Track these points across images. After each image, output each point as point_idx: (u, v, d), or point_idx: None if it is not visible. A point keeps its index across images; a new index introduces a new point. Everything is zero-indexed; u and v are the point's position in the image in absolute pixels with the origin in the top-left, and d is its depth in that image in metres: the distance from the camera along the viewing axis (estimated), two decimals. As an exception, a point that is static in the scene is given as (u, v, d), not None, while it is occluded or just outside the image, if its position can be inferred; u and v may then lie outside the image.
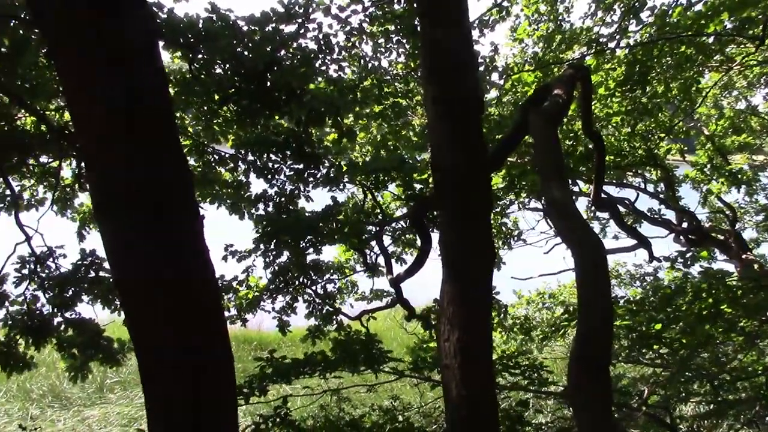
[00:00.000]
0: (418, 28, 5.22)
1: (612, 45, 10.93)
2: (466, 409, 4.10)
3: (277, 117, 8.30)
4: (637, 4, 10.19)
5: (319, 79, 8.38)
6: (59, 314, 8.56)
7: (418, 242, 9.43)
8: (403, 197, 9.21)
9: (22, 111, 9.13)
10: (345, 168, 8.60)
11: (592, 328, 3.73)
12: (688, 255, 11.29)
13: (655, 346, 8.08)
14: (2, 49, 7.55)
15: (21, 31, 7.44)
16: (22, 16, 7.17)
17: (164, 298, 3.41)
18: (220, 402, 3.65)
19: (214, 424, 3.59)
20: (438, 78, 4.31)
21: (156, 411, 3.68)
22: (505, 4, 10.71)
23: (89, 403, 15.88)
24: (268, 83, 7.62)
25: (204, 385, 3.54)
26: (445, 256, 4.38)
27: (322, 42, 8.01)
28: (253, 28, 7.48)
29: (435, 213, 8.01)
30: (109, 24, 3.04)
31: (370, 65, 9.12)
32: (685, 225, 15.64)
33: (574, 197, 11.44)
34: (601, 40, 10.91)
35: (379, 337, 8.73)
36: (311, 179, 8.70)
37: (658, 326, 7.35)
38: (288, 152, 8.36)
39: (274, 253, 9.04)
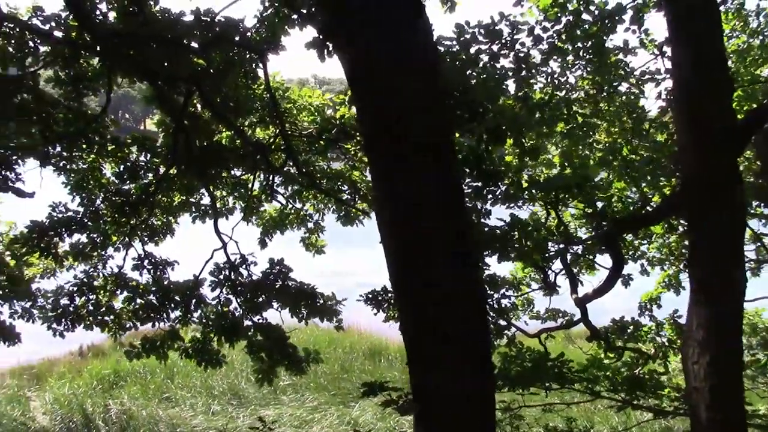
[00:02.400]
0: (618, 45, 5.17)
1: None
2: (716, 433, 4.08)
3: (457, 134, 8.41)
4: None
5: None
6: (249, 318, 9.13)
7: (599, 262, 9.22)
8: (585, 216, 9.02)
9: (221, 126, 9.85)
10: (526, 185, 8.54)
11: None
12: None
13: None
14: (210, 70, 8.21)
15: (231, 53, 8.08)
16: (236, 39, 7.79)
17: None
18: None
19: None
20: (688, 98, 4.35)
21: None
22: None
23: (264, 403, 16.71)
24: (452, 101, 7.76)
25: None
26: (695, 279, 4.39)
27: (519, 61, 8.06)
28: (451, 47, 7.63)
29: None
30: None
31: (556, 81, 9.06)
32: None
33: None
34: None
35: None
36: (490, 196, 8.71)
37: None
38: (467, 169, 8.43)
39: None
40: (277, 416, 15.37)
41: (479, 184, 8.41)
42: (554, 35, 8.40)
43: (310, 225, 12.00)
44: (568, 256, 9.18)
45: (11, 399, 16.68)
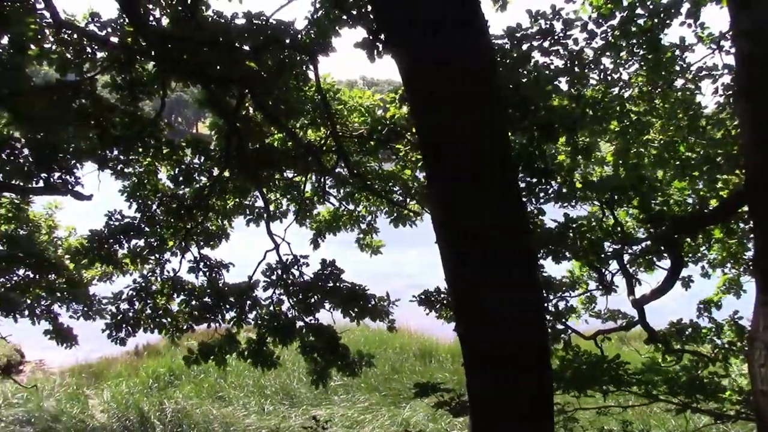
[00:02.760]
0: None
1: None
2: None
3: (510, 133, 8.30)
4: None
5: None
6: (302, 319, 9.15)
7: (658, 263, 9.01)
8: (640, 216, 8.82)
9: (273, 129, 9.89)
10: (579, 185, 8.39)
11: None
12: None
13: None
14: (262, 72, 8.24)
15: (281, 56, 8.10)
16: (287, 41, 7.81)
17: None
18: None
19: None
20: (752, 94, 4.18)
21: None
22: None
23: (316, 402, 16.80)
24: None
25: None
26: (762, 279, 4.19)
27: (572, 58, 7.90)
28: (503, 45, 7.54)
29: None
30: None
31: (609, 78, 8.86)
32: None
33: None
34: None
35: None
36: (542, 195, 8.58)
37: None
38: (519, 167, 8.33)
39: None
40: (329, 416, 15.42)
41: (532, 180, 8.29)
42: (608, 30, 8.20)
43: (364, 226, 11.99)
44: (625, 257, 8.99)
45: (71, 397, 17.09)
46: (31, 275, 11.56)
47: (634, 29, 8.17)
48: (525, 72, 7.65)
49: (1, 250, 11.19)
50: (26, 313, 11.39)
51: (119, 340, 9.87)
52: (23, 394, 16.74)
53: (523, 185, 8.38)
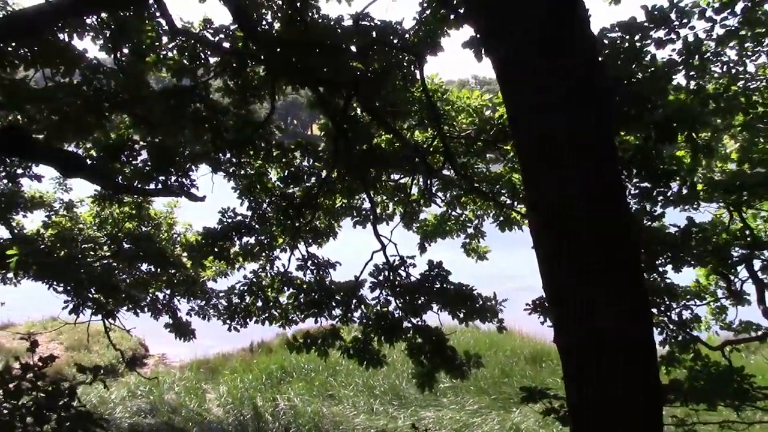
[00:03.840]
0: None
1: None
2: None
3: (622, 133, 7.96)
4: None
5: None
6: (408, 319, 9.14)
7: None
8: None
9: (380, 130, 9.93)
10: (701, 186, 7.93)
11: None
12: None
13: None
14: (369, 73, 8.29)
15: (388, 56, 8.12)
16: (394, 42, 7.82)
17: None
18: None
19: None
20: None
21: None
22: None
23: (424, 404, 16.71)
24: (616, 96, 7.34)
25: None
26: None
27: (689, 50, 7.47)
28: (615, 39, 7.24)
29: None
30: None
31: (733, 71, 8.31)
32: None
33: None
34: None
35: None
36: (660, 198, 8.17)
37: None
38: (633, 170, 7.96)
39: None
40: (437, 418, 15.34)
41: (648, 184, 7.91)
42: (729, 17, 7.68)
43: (470, 230, 11.84)
44: (756, 263, 8.43)
45: (189, 390, 17.78)
46: (152, 271, 12.15)
47: (760, 15, 7.62)
48: (640, 67, 7.29)
49: (124, 248, 11.81)
50: (147, 308, 11.94)
51: (233, 328, 10.28)
52: (146, 386, 17.56)
53: (638, 190, 8.04)
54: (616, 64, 7.18)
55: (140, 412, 15.82)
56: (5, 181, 11.11)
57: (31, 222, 12.36)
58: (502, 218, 10.99)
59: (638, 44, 7.29)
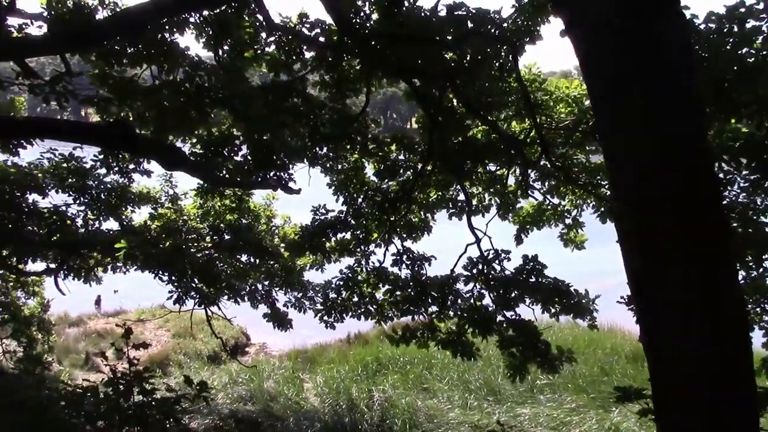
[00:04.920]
0: None
1: None
2: None
3: (733, 121, 7.57)
4: None
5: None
6: (501, 313, 9.02)
7: None
8: None
9: (475, 121, 9.82)
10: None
11: None
12: None
13: None
14: (464, 64, 8.20)
15: (484, 47, 8.01)
16: (490, 31, 7.70)
17: None
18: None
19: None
20: None
21: None
22: None
23: (520, 400, 16.46)
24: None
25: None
26: None
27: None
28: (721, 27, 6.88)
29: None
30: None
31: None
32: None
33: None
34: None
35: None
36: (773, 190, 7.72)
37: None
38: (743, 160, 7.54)
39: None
40: (533, 415, 15.07)
41: (758, 176, 7.49)
42: None
43: (568, 221, 11.56)
44: None
45: (288, 380, 18.20)
46: (252, 261, 12.49)
47: None
48: (751, 52, 6.88)
49: (225, 239, 12.18)
50: (246, 297, 12.28)
51: (329, 325, 10.42)
52: (247, 374, 18.08)
53: (747, 183, 7.63)
54: (720, 50, 6.82)
55: (241, 399, 16.32)
56: (117, 176, 11.63)
57: (139, 215, 12.93)
58: (602, 209, 10.64)
59: (744, 29, 6.89)
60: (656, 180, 3.34)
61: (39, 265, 13.44)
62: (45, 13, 8.62)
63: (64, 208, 11.58)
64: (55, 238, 11.38)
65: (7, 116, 10.59)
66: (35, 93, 7.56)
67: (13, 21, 8.50)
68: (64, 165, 11.23)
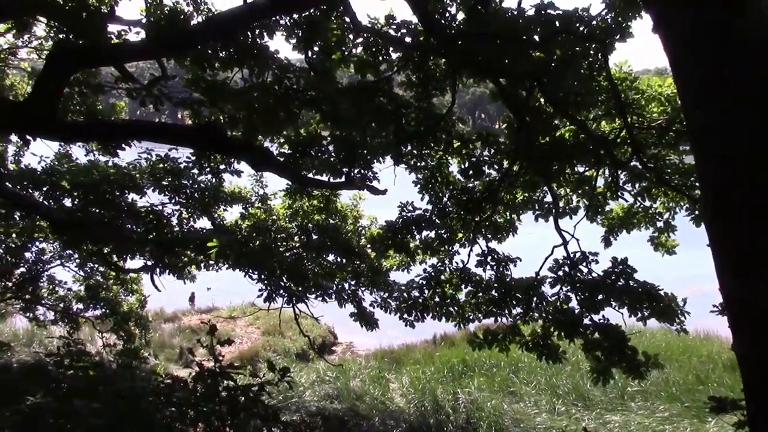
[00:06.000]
0: None
1: None
2: None
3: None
4: None
5: None
6: (588, 316, 8.83)
7: None
8: None
9: (563, 121, 9.65)
10: None
11: None
12: None
13: None
14: (552, 63, 8.08)
15: (572, 45, 7.87)
16: (579, 30, 7.58)
17: None
18: None
19: None
20: None
21: None
22: None
23: (610, 407, 16.08)
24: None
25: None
26: None
27: None
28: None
29: None
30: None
31: None
32: None
33: None
34: None
35: None
36: None
37: None
38: None
39: None
40: (624, 423, 14.70)
41: None
42: None
43: (660, 224, 11.20)
44: None
45: (373, 379, 18.36)
46: (339, 261, 12.67)
47: None
48: None
49: (313, 238, 12.41)
50: (333, 296, 12.46)
51: (409, 324, 10.47)
52: (334, 373, 18.35)
53: None
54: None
55: (327, 397, 16.57)
56: (210, 176, 12.03)
57: (231, 214, 13.33)
58: (696, 212, 10.24)
59: None
60: (749, 185, 3.19)
61: (137, 263, 14.09)
62: (143, 20, 9.04)
63: (160, 207, 12.07)
64: (151, 236, 11.86)
65: (105, 119, 11.12)
66: (132, 96, 7.91)
67: (113, 28, 8.98)
68: (161, 165, 11.72)
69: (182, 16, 8.58)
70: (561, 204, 10.55)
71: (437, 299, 10.34)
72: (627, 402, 16.40)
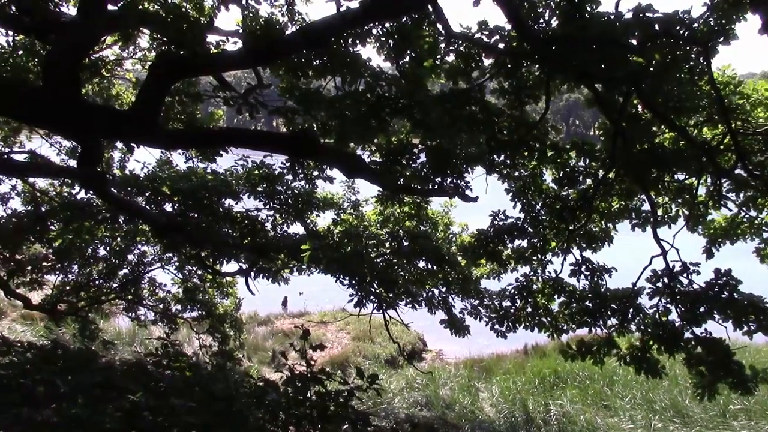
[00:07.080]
0: None
1: None
2: None
3: None
4: None
5: None
6: (689, 329, 8.51)
7: None
8: None
9: (662, 127, 9.35)
10: None
11: None
12: None
13: None
14: (650, 68, 7.83)
15: (673, 49, 7.62)
16: (679, 32, 7.33)
17: None
18: None
19: None
20: None
21: None
22: None
23: (711, 425, 15.42)
24: None
25: None
26: None
27: None
28: None
29: None
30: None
31: None
32: None
33: None
34: None
35: None
36: None
37: None
38: None
39: None
40: (724, 442, 14.07)
41: None
42: None
43: (766, 235, 10.69)
44: None
45: (463, 388, 18.26)
46: (429, 268, 12.67)
47: None
48: None
49: (404, 245, 12.46)
50: (423, 302, 12.47)
51: (500, 334, 10.35)
52: (423, 380, 18.34)
53: None
54: None
55: (416, 404, 16.59)
56: (303, 182, 12.28)
57: (323, 220, 13.55)
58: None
59: None
60: None
61: (232, 266, 14.50)
62: (240, 30, 9.30)
63: (255, 212, 12.41)
64: (246, 240, 12.20)
65: (203, 127, 11.52)
66: (229, 105, 8.16)
67: (212, 38, 9.29)
68: (256, 172, 12.05)
69: (277, 26, 8.78)
70: (659, 213, 10.20)
71: (529, 309, 10.19)
72: (729, 420, 15.66)
